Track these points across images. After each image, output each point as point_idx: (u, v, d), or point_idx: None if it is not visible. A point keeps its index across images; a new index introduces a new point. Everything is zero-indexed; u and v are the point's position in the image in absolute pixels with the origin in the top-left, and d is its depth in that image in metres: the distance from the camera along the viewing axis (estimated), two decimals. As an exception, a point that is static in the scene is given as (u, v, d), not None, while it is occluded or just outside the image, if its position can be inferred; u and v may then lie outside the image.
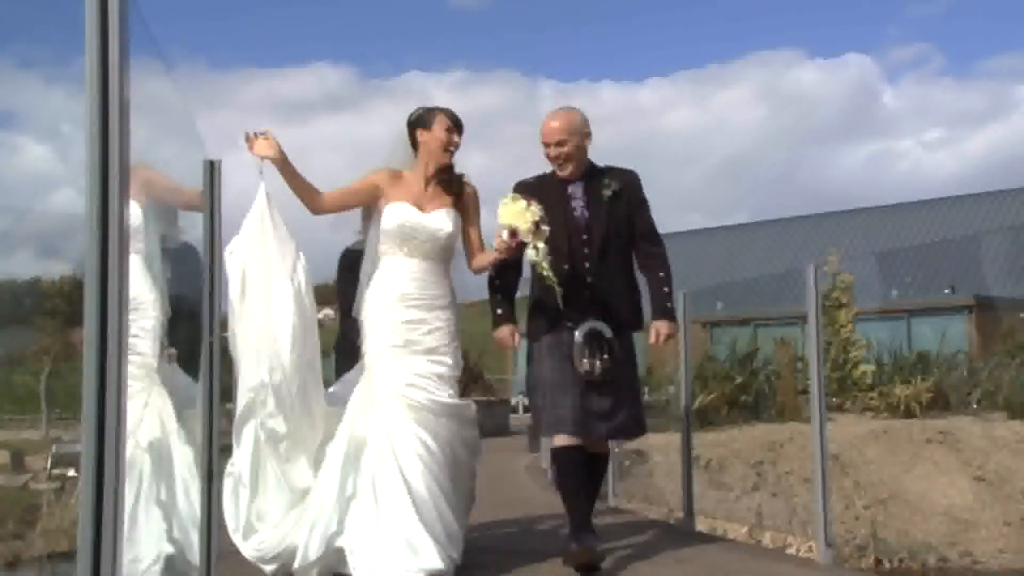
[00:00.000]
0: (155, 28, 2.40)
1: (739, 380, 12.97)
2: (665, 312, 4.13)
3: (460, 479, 3.80)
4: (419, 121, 3.98)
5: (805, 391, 9.16)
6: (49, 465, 11.82)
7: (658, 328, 4.12)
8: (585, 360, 3.87)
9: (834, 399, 11.87)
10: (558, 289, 3.85)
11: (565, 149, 4.01)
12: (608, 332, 3.91)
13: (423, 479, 3.60)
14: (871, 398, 12.59)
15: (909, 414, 11.82)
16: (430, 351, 3.80)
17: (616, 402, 3.97)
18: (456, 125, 3.97)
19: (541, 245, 3.77)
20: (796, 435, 10.43)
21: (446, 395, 3.77)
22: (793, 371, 12.62)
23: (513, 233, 3.76)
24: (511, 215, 3.75)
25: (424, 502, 3.56)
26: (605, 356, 3.88)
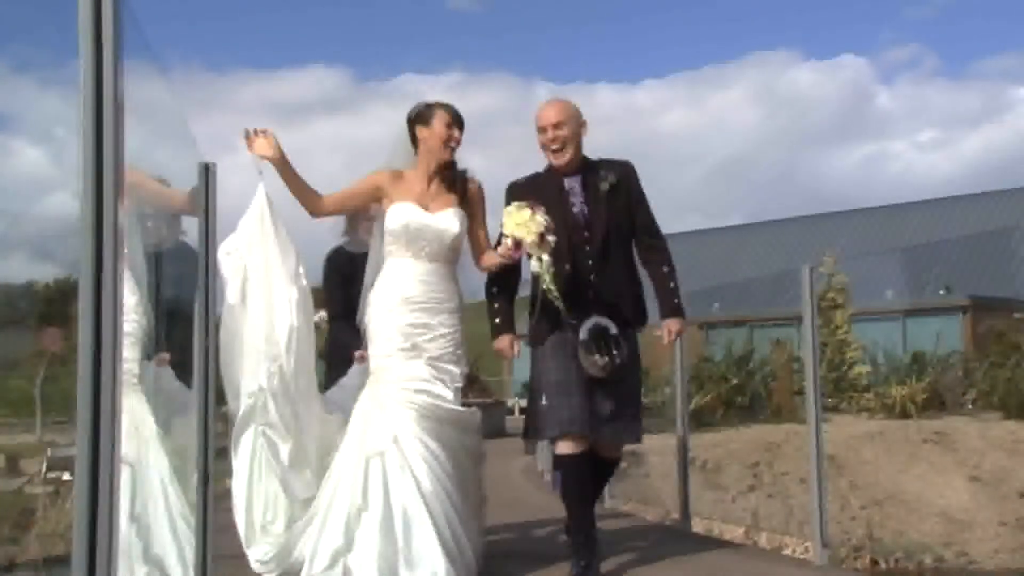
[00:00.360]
0: (150, 31, 2.40)
1: (735, 381, 13.00)
2: (675, 309, 4.03)
3: (467, 488, 3.71)
4: (418, 117, 3.85)
5: (801, 392, 9.18)
6: (44, 469, 11.78)
7: (669, 326, 4.03)
8: (596, 357, 3.73)
9: (830, 400, 11.91)
10: (560, 304, 3.73)
11: (563, 132, 3.90)
12: (614, 328, 3.79)
13: (436, 492, 3.51)
14: (867, 399, 12.63)
15: (905, 415, 11.85)
16: (435, 358, 3.70)
17: (620, 405, 3.86)
18: (456, 120, 3.84)
19: (545, 258, 3.66)
20: (792, 436, 10.45)
21: (450, 401, 3.68)
22: (789, 372, 12.65)
23: (517, 244, 3.64)
24: (516, 225, 3.63)
25: (439, 516, 3.48)
26: (613, 353, 3.74)
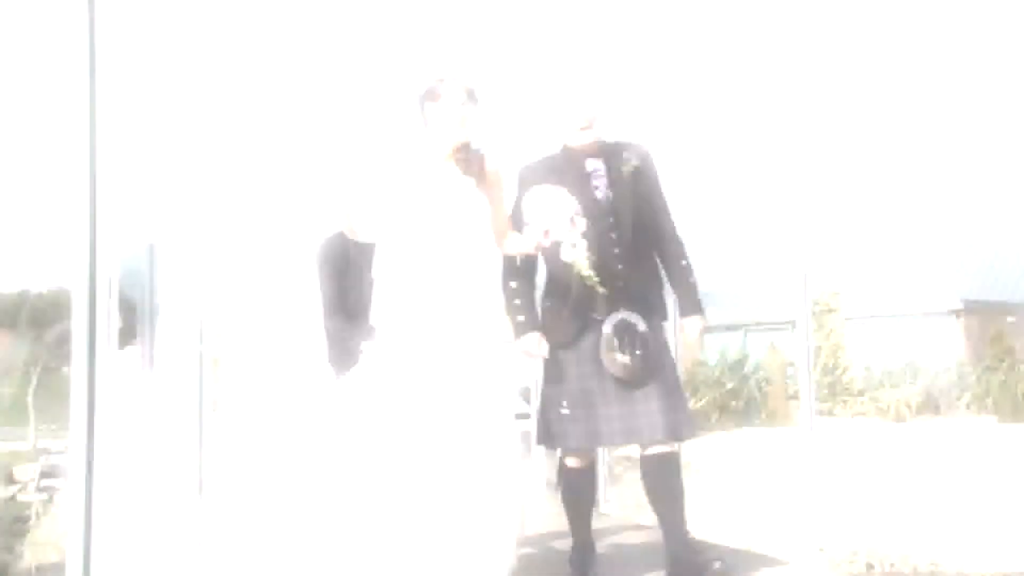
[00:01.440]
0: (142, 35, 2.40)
1: (730, 386, 13.03)
2: (696, 306, 3.74)
3: (509, 482, 3.42)
4: (427, 93, 3.46)
5: (795, 396, 9.20)
6: (37, 476, 11.76)
7: (692, 324, 3.75)
8: (618, 355, 3.48)
9: (824, 404, 11.93)
10: (601, 290, 3.46)
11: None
12: (642, 325, 3.53)
13: (439, 525, 3.24)
14: (861, 403, 12.65)
15: (899, 418, 11.88)
16: (461, 347, 3.39)
17: (660, 399, 3.57)
18: (470, 96, 3.47)
19: (580, 241, 3.39)
20: (787, 440, 10.46)
21: (483, 389, 3.37)
22: (783, 376, 12.68)
23: (545, 231, 3.38)
24: (541, 210, 3.39)
25: (457, 534, 3.23)
26: (637, 352, 3.49)
